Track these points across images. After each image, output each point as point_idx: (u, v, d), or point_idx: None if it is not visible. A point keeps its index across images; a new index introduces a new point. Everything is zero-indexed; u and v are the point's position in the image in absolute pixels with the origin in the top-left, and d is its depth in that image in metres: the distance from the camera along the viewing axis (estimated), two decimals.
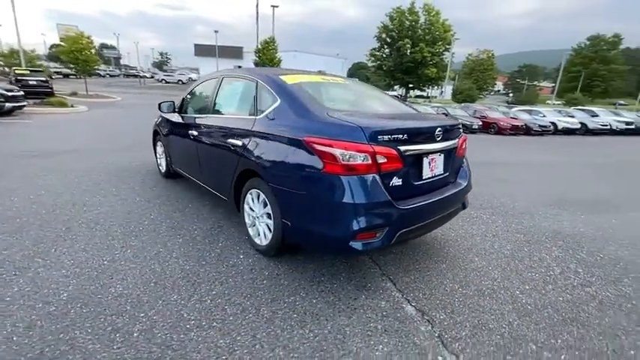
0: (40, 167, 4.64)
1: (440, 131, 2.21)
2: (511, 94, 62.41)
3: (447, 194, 2.30)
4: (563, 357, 1.68)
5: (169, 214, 3.28)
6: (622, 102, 50.57)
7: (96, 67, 19.68)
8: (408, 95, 47.12)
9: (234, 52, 49.82)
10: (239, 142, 2.54)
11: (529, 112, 18.95)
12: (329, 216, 1.92)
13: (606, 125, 18.24)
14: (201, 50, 50.37)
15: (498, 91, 64.13)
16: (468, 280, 2.36)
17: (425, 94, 54.82)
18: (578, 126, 17.69)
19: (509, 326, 1.89)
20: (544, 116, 18.26)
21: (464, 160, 2.69)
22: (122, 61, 76.77)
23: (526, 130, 16.21)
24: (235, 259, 2.50)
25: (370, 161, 1.85)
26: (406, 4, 41.61)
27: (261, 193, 2.42)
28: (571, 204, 4.40)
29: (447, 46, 41.27)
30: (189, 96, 3.80)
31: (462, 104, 23.79)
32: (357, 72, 72.13)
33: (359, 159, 1.84)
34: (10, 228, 2.79)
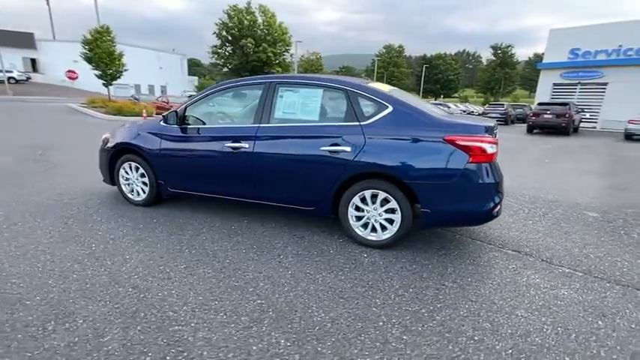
0: None
1: None
2: None
3: None
4: (604, 254, 2.89)
5: (230, 241, 2.88)
6: None
7: None
8: None
9: (22, 40, 37.01)
10: (347, 149, 2.63)
11: None
12: (478, 196, 2.47)
13: None
14: None
15: None
16: (505, 227, 3.39)
17: None
18: None
19: (564, 243, 3.01)
20: None
21: None
22: None
23: None
24: (365, 259, 2.63)
25: (495, 150, 2.51)
26: (242, 3, 42.01)
27: (380, 192, 2.64)
28: None
29: (287, 47, 44.52)
30: (203, 106, 3.29)
31: None
32: (191, 69, 67.17)
33: (492, 149, 2.46)
34: (53, 316, 1.88)
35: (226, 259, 2.57)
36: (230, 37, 42.65)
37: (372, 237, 2.77)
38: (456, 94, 69.01)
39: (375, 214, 2.72)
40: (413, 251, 2.77)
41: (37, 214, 3.35)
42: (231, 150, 3.01)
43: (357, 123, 2.68)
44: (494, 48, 63.82)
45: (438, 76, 65.45)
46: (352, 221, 2.81)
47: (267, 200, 3.06)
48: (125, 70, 18.89)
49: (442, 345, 1.72)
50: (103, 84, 18.89)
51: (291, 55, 46.61)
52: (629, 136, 13.85)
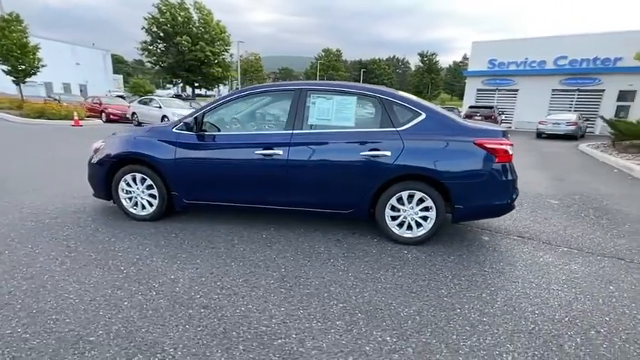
0: None
1: None
2: None
3: None
4: (581, 233, 3.51)
5: (271, 250, 2.83)
6: None
7: None
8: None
9: None
10: (387, 153, 2.80)
11: None
12: (502, 192, 2.83)
13: None
14: None
15: None
16: (499, 217, 3.89)
17: (203, 92, 55.58)
18: None
19: (549, 227, 3.57)
20: None
21: None
22: None
23: None
24: (408, 256, 2.82)
25: (512, 151, 2.91)
26: None
27: (417, 192, 2.86)
28: None
29: (226, 47, 42.91)
30: (223, 112, 3.16)
31: None
32: (113, 66, 60.34)
33: (511, 151, 2.85)
34: None
35: (280, 267, 2.54)
36: (162, 34, 39.60)
37: (408, 234, 2.98)
38: None
39: (411, 213, 2.93)
40: (442, 245, 3.05)
41: (21, 238, 2.85)
42: (263, 157, 2.96)
43: (394, 129, 2.86)
44: (421, 55, 69.95)
45: (374, 80, 69.31)
46: (389, 221, 2.98)
47: (300, 206, 3.07)
48: (43, 66, 16.30)
49: (517, 321, 1.99)
50: (14, 81, 16.03)
51: (230, 55, 45.14)
52: (539, 135, 16.49)
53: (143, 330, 1.81)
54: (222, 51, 42.93)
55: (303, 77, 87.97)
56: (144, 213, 3.32)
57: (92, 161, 3.36)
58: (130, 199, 3.32)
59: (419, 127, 2.86)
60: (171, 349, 1.68)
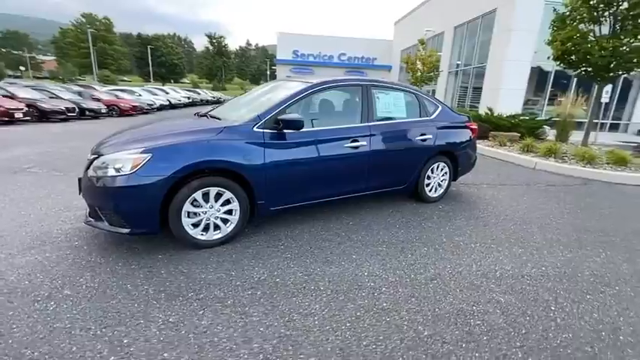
0: None
1: None
2: (24, 71, 51.97)
3: None
4: (483, 178, 5.73)
5: (387, 233, 3.17)
6: (126, 79, 60.56)
7: None
8: None
9: None
10: (430, 136, 3.69)
11: (127, 92, 19.80)
12: (473, 155, 4.36)
13: (180, 100, 23.70)
14: None
15: None
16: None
17: None
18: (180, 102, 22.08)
19: (468, 177, 5.60)
20: (140, 95, 20.17)
21: None
22: None
23: (143, 110, 17.57)
24: (446, 209, 3.89)
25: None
26: None
27: (440, 163, 3.95)
28: None
29: None
30: (297, 107, 2.99)
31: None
32: None
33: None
34: None
35: (413, 239, 3.00)
36: None
37: (434, 195, 4.05)
38: (186, 80, 68.30)
39: (437, 180, 4.01)
40: (452, 198, 4.31)
41: (104, 330, 1.77)
42: (351, 149, 3.12)
43: (428, 118, 3.78)
44: (210, 37, 68.16)
45: (162, 59, 61.66)
46: (426, 187, 3.94)
47: (372, 190, 3.47)
48: None
49: (538, 225, 3.54)
50: None
51: None
52: None
53: (469, 315, 2.01)
54: None
55: (52, 46, 65.27)
56: (218, 236, 2.64)
57: (128, 184, 2.25)
58: (195, 224, 2.54)
59: (439, 116, 3.91)
60: (486, 316, 2.05)
